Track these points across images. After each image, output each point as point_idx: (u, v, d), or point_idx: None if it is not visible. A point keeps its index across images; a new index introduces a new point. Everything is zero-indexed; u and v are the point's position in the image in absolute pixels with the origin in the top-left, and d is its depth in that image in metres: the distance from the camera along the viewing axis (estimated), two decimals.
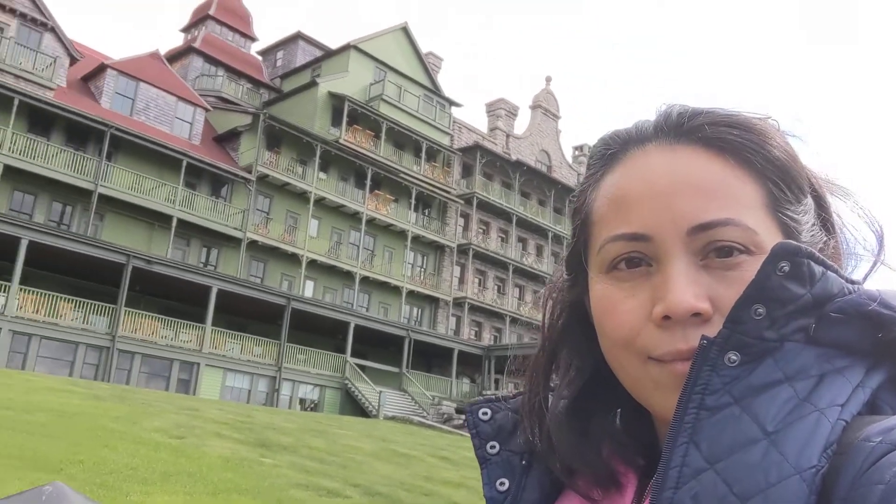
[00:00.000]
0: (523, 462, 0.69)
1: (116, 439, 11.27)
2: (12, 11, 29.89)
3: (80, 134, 29.63)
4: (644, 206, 0.61)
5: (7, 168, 26.69)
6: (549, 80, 51.98)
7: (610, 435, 0.67)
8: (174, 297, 29.39)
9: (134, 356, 26.66)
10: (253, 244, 33.60)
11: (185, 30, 45.71)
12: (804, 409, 0.53)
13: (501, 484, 0.69)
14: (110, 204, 29.64)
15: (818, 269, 0.56)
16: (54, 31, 31.02)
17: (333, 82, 39.41)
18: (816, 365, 0.56)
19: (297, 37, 45.28)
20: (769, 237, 0.60)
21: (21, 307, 24.32)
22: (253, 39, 46.06)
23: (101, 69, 32.95)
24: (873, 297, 0.57)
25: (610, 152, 0.67)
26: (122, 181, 29.61)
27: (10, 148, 26.77)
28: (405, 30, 43.49)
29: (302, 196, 35.73)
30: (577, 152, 54.37)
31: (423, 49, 44.78)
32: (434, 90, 43.79)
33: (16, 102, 26.94)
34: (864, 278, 0.63)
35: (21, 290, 24.36)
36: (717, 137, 0.62)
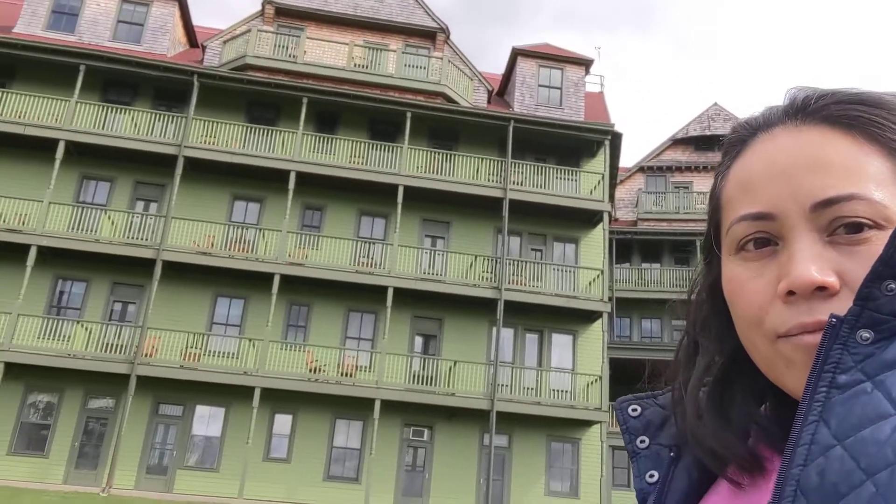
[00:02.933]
0: (671, 454, 0.71)
1: None
2: None
3: None
4: (768, 186, 0.62)
5: None
6: None
7: (755, 421, 0.67)
8: None
9: None
10: None
11: None
12: None
13: (651, 476, 0.71)
14: None
15: None
16: None
17: None
18: None
19: None
20: None
21: None
22: None
23: None
24: None
25: (739, 138, 0.69)
26: None
27: None
28: None
29: None
30: None
31: None
32: None
33: None
34: None
35: None
36: (843, 115, 0.62)
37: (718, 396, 0.69)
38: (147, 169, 24.13)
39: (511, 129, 24.77)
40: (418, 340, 24.06)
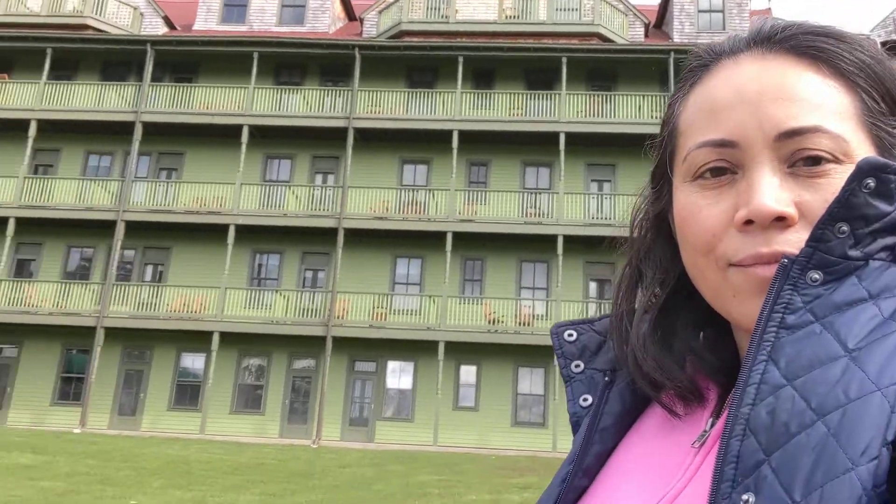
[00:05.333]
0: (606, 378, 0.72)
1: None
2: None
3: None
4: (732, 113, 0.61)
5: None
6: None
7: (693, 351, 0.68)
8: None
9: None
10: None
11: None
12: (888, 328, 0.52)
13: (584, 400, 0.72)
14: None
15: None
16: None
17: None
18: None
19: None
20: (860, 148, 0.59)
21: None
22: None
23: None
24: None
25: (701, 63, 0.68)
26: None
27: None
28: None
29: None
30: None
31: None
32: None
33: None
34: None
35: None
36: (810, 45, 0.62)
37: (659, 324, 0.70)
38: (321, 143, 25.67)
39: (672, 61, 23.82)
40: (592, 286, 24.12)
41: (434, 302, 23.04)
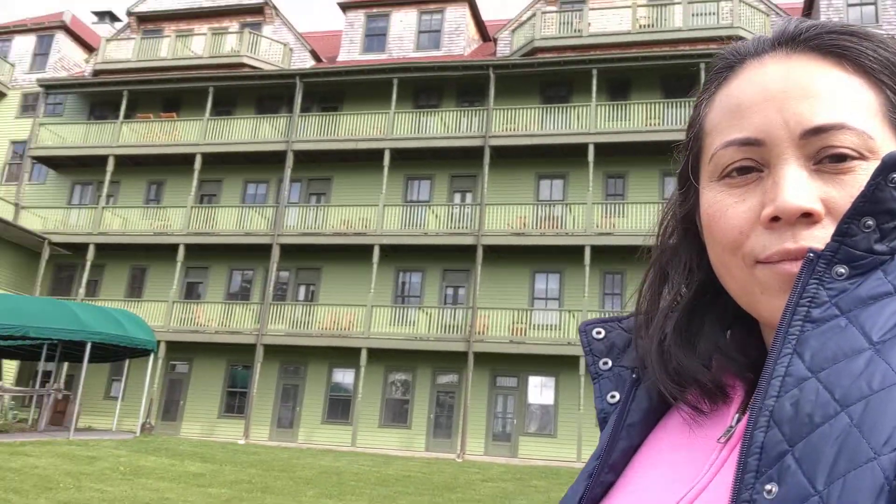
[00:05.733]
0: (633, 376, 0.72)
1: None
2: None
3: None
4: (757, 111, 0.62)
5: None
6: None
7: (720, 349, 0.68)
8: None
9: None
10: None
11: None
12: None
13: (612, 397, 0.73)
14: None
15: None
16: None
17: None
18: None
19: None
20: (885, 143, 0.59)
21: None
22: None
23: None
24: None
25: (726, 65, 0.68)
26: None
27: None
28: None
29: None
30: None
31: None
32: None
33: None
34: None
35: None
36: (834, 44, 0.62)
37: (685, 324, 0.70)
38: (459, 162, 26.32)
39: None
40: None
41: (574, 316, 22.99)
